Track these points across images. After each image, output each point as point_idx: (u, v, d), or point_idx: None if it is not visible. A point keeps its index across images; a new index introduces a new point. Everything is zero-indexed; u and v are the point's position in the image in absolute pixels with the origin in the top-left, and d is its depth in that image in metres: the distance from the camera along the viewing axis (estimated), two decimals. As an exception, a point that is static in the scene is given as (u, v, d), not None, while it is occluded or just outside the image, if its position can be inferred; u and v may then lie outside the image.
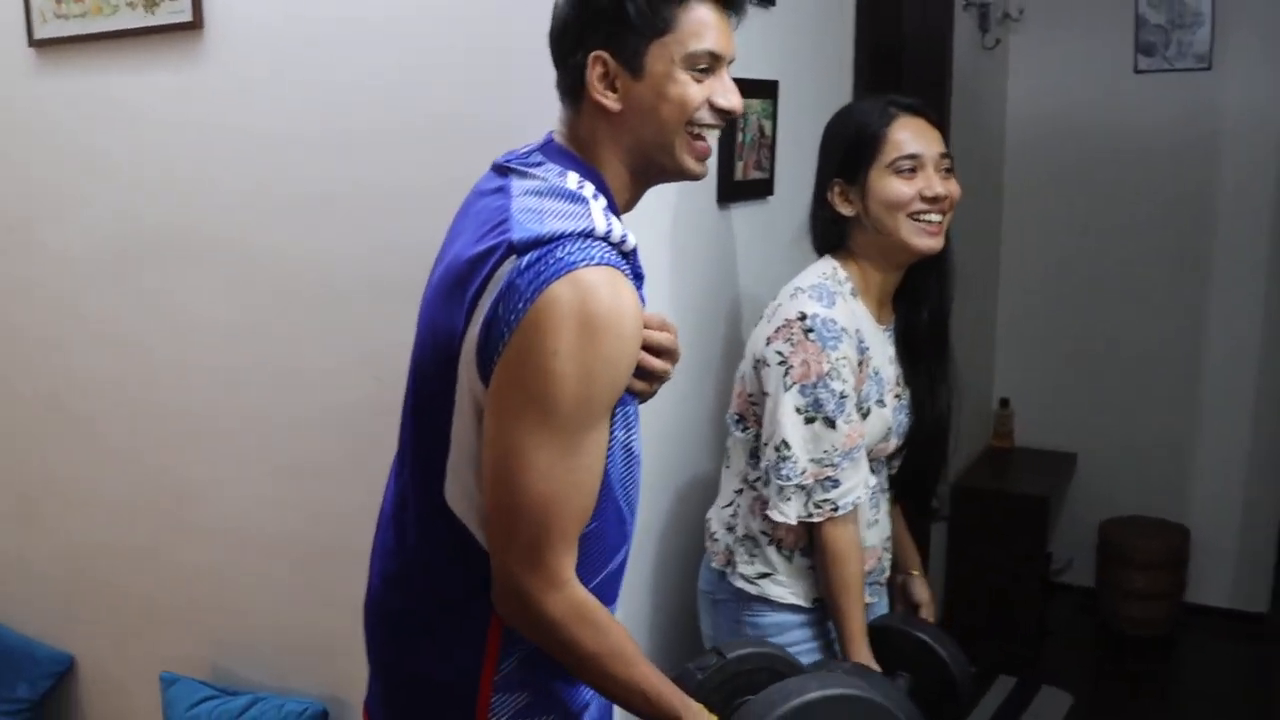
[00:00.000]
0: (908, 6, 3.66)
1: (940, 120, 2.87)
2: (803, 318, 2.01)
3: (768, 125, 2.54)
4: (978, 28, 4.13)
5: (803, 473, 2.00)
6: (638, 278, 1.48)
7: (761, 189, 2.58)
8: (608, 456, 1.48)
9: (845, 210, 2.12)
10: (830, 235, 2.15)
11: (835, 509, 2.02)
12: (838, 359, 2.01)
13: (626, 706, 1.52)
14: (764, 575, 2.13)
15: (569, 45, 1.50)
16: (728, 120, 1.55)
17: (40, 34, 2.64)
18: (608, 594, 1.57)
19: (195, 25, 2.40)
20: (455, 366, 1.44)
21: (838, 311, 2.04)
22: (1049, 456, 4.68)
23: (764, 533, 2.12)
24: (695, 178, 1.57)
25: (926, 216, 2.07)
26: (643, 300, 1.47)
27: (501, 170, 1.55)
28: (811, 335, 2.00)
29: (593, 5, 1.47)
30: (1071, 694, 3.90)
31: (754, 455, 2.13)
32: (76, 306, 2.76)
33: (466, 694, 1.53)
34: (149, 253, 2.61)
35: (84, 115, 2.65)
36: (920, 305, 2.20)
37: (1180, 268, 4.46)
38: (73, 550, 2.89)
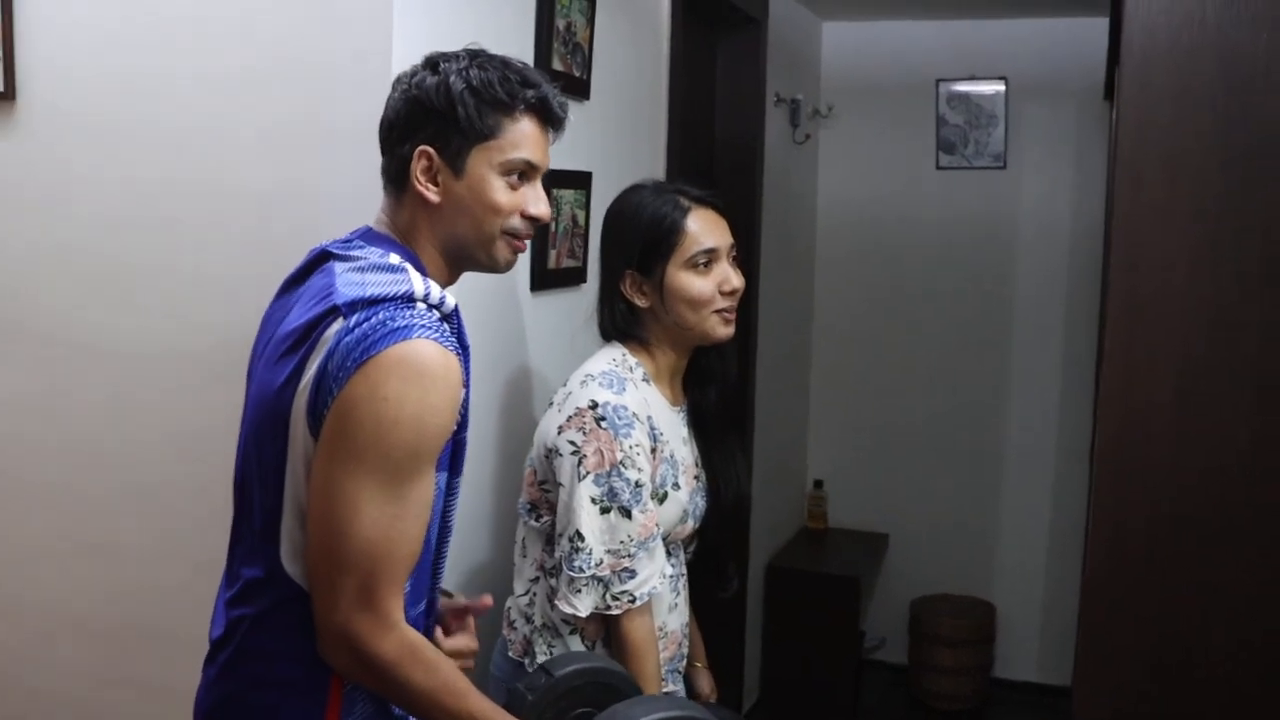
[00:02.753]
0: (720, 101, 3.80)
1: (740, 213, 2.97)
2: (594, 406, 2.00)
3: (581, 215, 2.61)
4: (789, 123, 4.30)
5: (598, 564, 1.98)
6: (464, 347, 1.55)
7: (574, 277, 2.64)
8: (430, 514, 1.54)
9: (639, 301, 2.12)
10: (622, 324, 2.15)
11: (633, 600, 2.00)
12: (631, 446, 2.00)
13: None
14: None
15: (398, 136, 1.60)
16: (537, 226, 1.67)
17: None
18: None
19: (7, 96, 2.35)
20: (286, 427, 1.48)
21: (628, 398, 2.04)
22: (862, 537, 4.82)
23: (565, 621, 2.09)
24: (503, 271, 1.69)
25: (725, 310, 2.12)
26: (468, 370, 1.54)
27: (323, 256, 1.61)
28: (604, 423, 1.99)
29: (426, 103, 1.57)
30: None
31: (549, 542, 2.11)
32: None
33: None
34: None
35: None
36: (707, 384, 2.24)
37: (982, 353, 4.69)
38: None
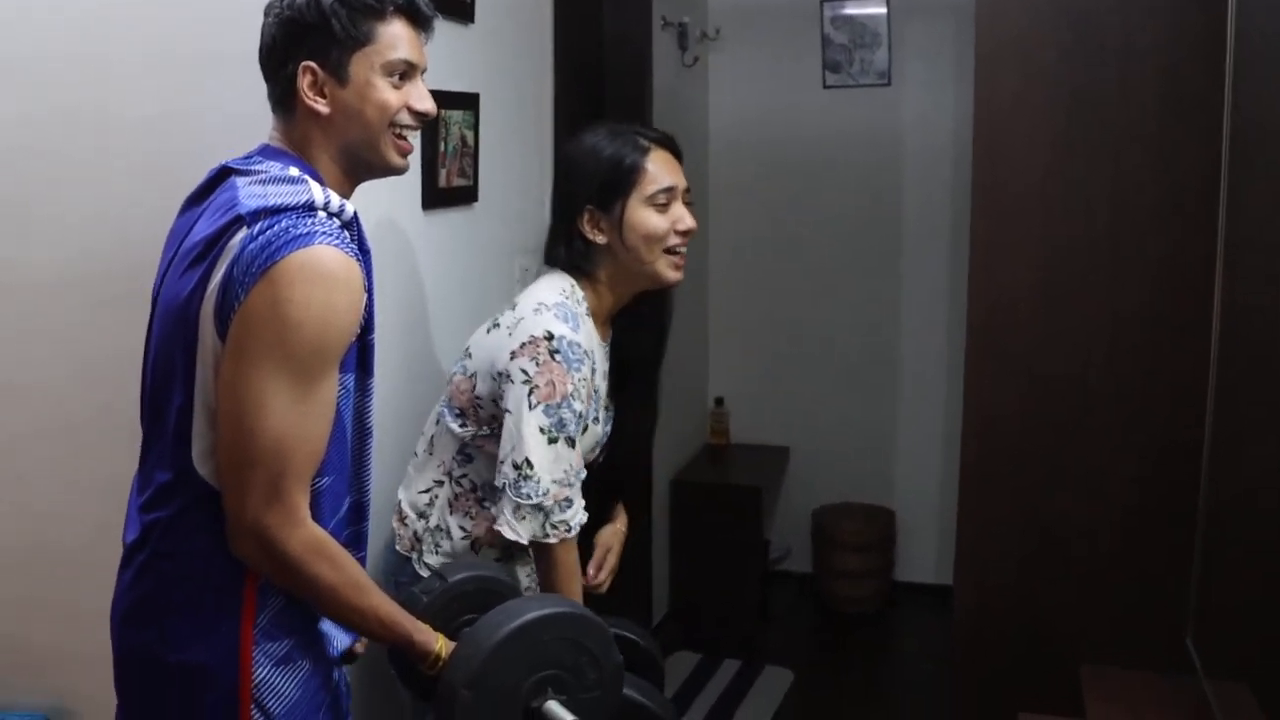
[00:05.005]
0: (607, 25, 3.84)
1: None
2: (550, 337, 2.04)
3: (470, 135, 2.66)
4: (677, 46, 4.36)
5: (545, 493, 2.03)
6: (364, 251, 1.63)
7: (466, 195, 2.70)
8: (342, 417, 1.64)
9: (596, 238, 2.17)
10: (576, 259, 2.19)
11: (569, 530, 2.07)
12: (580, 380, 2.06)
13: (363, 632, 1.68)
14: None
15: (279, 59, 1.67)
16: (424, 121, 1.74)
17: None
18: (343, 541, 1.71)
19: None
20: (195, 333, 1.55)
21: (581, 335, 2.09)
22: (763, 450, 4.96)
23: (461, 528, 2.17)
24: (399, 172, 1.77)
25: (678, 249, 2.19)
26: (370, 272, 1.63)
27: (224, 172, 1.68)
28: (558, 356, 2.04)
29: (301, 21, 1.64)
30: (793, 671, 4.11)
31: (463, 452, 2.18)
32: None
33: (228, 656, 1.60)
34: None
35: None
36: (643, 326, 2.31)
37: (873, 268, 4.81)
38: None
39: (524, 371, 2.04)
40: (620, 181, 2.16)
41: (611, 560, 2.37)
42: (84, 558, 2.12)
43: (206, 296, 1.54)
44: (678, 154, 2.24)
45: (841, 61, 4.69)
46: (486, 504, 2.18)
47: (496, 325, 2.17)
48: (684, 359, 4.54)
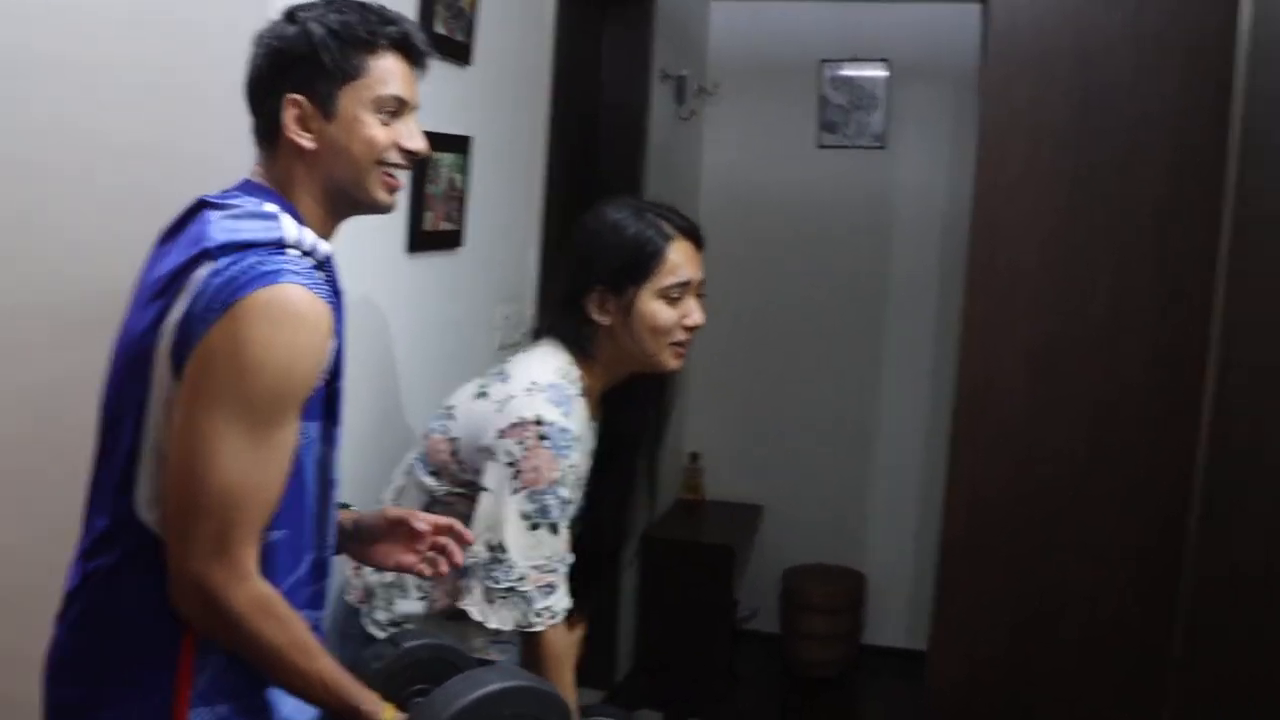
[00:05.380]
0: (607, 74, 3.84)
1: (624, 187, 2.98)
2: (539, 422, 1.97)
3: (459, 179, 2.63)
4: (674, 99, 4.34)
5: (520, 579, 1.96)
6: (336, 294, 1.55)
7: (451, 240, 2.66)
8: (304, 467, 1.55)
9: (601, 319, 2.09)
10: (574, 336, 2.12)
11: (554, 616, 2.00)
12: (568, 466, 1.99)
13: (307, 698, 1.55)
14: (396, 624, 2.11)
15: (265, 90, 1.59)
16: (414, 161, 1.67)
17: None
18: (294, 602, 1.58)
19: None
20: (149, 370, 1.48)
21: (573, 419, 2.02)
22: (736, 508, 4.90)
23: (418, 588, 2.10)
24: (385, 210, 1.68)
25: (683, 343, 2.12)
26: (342, 315, 1.56)
27: (199, 205, 1.60)
28: (546, 442, 1.96)
29: (289, 53, 1.57)
30: (756, 734, 4.08)
31: (429, 509, 2.05)
32: None
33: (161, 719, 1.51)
34: None
35: None
36: (642, 407, 2.24)
37: (858, 329, 4.80)
38: None
39: (509, 453, 1.98)
40: (638, 267, 2.07)
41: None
42: (31, 601, 2.05)
43: (163, 332, 1.47)
44: (700, 244, 2.15)
45: (838, 122, 4.69)
46: None
47: (484, 394, 2.09)
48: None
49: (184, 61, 2.11)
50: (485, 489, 2.01)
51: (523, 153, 3.03)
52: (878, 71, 4.63)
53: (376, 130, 1.60)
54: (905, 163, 4.66)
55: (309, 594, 1.64)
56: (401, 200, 2.42)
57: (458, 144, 2.61)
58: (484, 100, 2.76)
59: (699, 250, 2.15)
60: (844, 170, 4.72)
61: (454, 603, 2.05)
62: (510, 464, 1.98)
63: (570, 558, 2.06)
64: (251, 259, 1.45)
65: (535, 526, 1.98)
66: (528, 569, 1.97)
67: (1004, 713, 2.92)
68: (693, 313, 2.11)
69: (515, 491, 1.97)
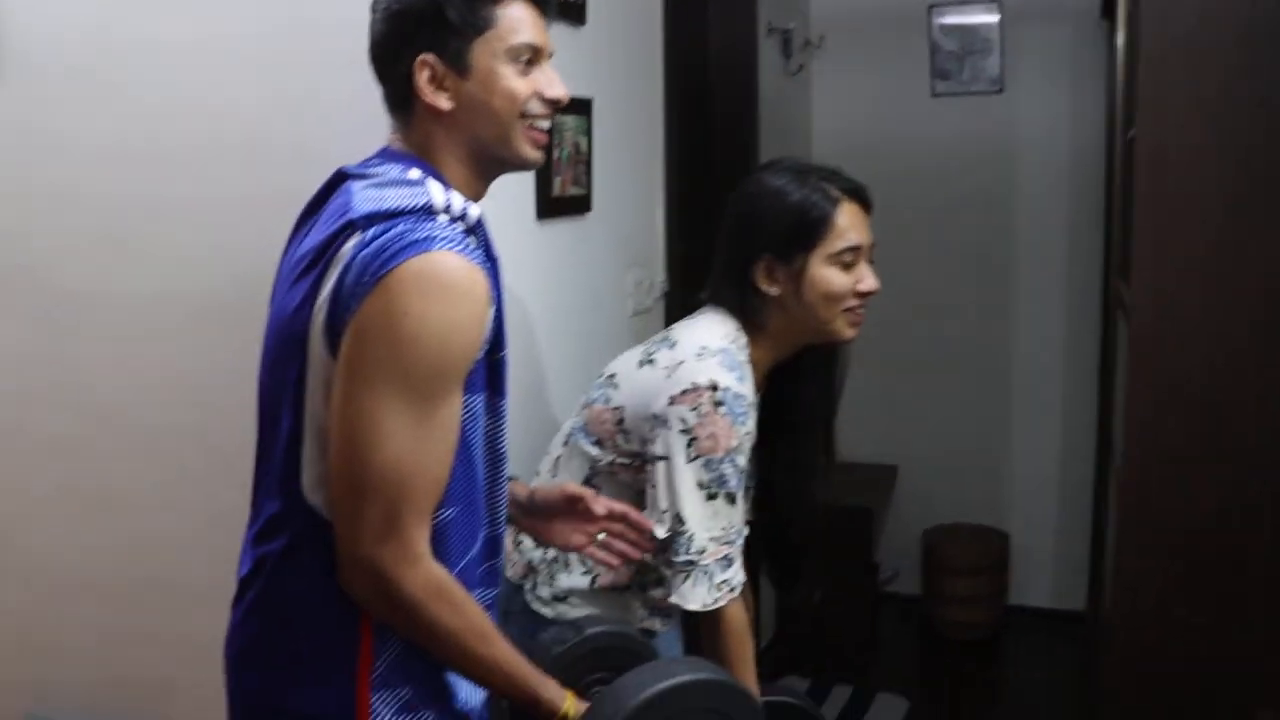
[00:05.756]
0: (712, 30, 3.75)
1: (738, 144, 2.88)
2: (714, 388, 1.89)
3: (583, 142, 2.57)
4: (781, 53, 4.25)
5: (700, 550, 1.89)
6: (491, 259, 1.49)
7: (579, 205, 2.60)
8: (470, 443, 1.48)
9: (770, 289, 2.01)
10: (742, 306, 2.03)
11: (732, 590, 1.93)
12: (745, 434, 1.91)
13: (485, 684, 1.51)
14: (560, 599, 2.07)
15: (391, 56, 1.52)
16: (556, 109, 1.58)
17: None
18: (467, 581, 1.54)
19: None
20: (304, 349, 1.43)
21: (746, 385, 1.94)
22: (871, 470, 4.80)
23: (582, 561, 2.04)
24: (533, 166, 1.60)
25: (858, 310, 2.03)
26: (498, 281, 1.48)
27: (339, 177, 1.55)
28: (722, 409, 1.88)
29: (411, 14, 1.49)
30: (906, 699, 3.97)
31: (590, 481, 2.04)
32: None
33: (344, 705, 1.47)
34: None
35: None
36: (809, 381, 2.15)
37: (986, 280, 4.65)
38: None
39: (683, 420, 1.89)
40: (806, 234, 1.97)
41: None
42: (196, 589, 2.04)
43: (316, 309, 1.41)
44: (868, 207, 2.05)
45: (951, 69, 4.55)
46: None
47: (650, 361, 2.01)
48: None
49: (313, 47, 2.08)
50: (661, 458, 1.92)
51: (642, 113, 2.97)
52: (989, 18, 4.47)
53: (515, 81, 1.52)
54: (1024, 106, 4.49)
55: (483, 572, 1.59)
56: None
57: (580, 106, 2.55)
58: (601, 61, 2.70)
59: (868, 213, 2.05)
60: (960, 118, 4.57)
61: (617, 580, 2.01)
62: (684, 431, 1.90)
63: (746, 530, 1.98)
64: (399, 228, 1.39)
65: (712, 496, 1.90)
66: (706, 540, 1.90)
67: (1177, 679, 2.76)
68: (866, 278, 2.01)
69: (690, 460, 1.89)
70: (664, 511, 1.92)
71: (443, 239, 1.39)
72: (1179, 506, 2.63)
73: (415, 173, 1.49)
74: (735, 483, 1.91)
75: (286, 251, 1.61)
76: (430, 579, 1.42)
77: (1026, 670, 4.39)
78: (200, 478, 2.22)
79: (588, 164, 2.60)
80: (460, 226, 1.45)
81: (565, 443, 2.12)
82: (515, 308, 2.39)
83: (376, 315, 1.35)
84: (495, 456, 1.56)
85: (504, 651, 1.48)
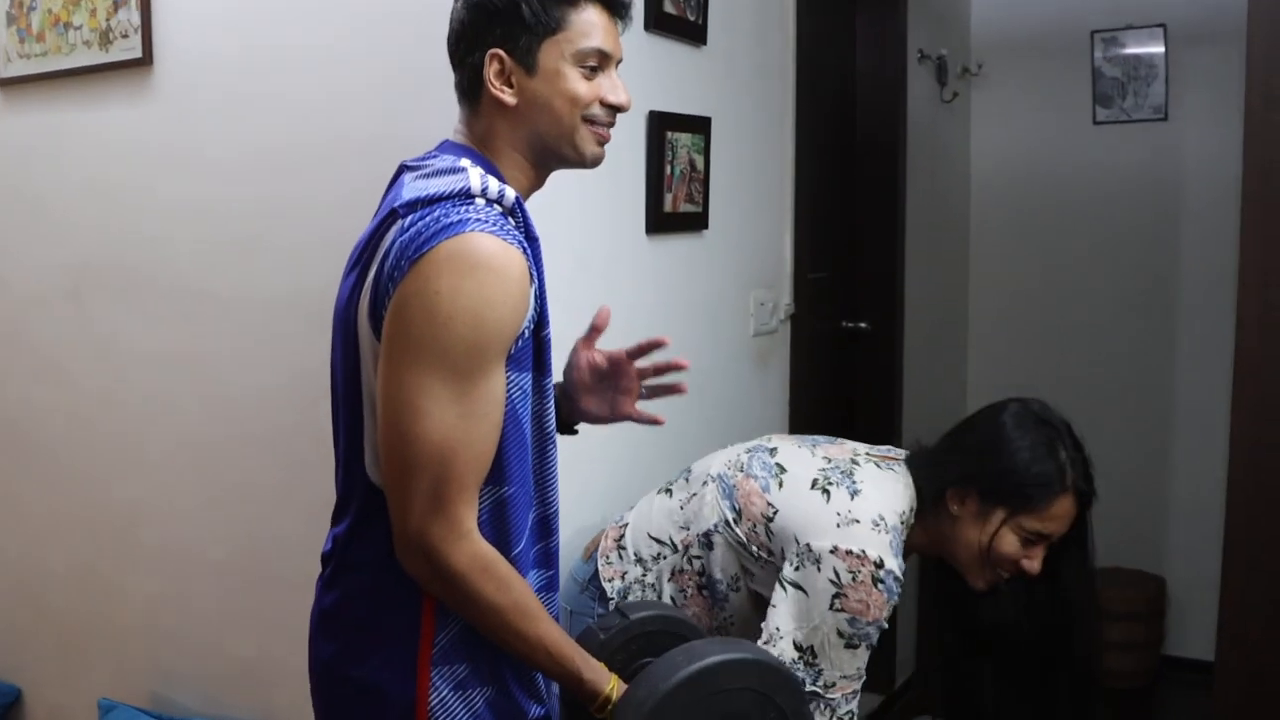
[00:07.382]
0: (860, 55, 3.74)
1: (884, 171, 2.86)
2: (879, 565, 1.94)
3: (699, 159, 2.59)
4: (935, 80, 4.19)
5: (829, 685, 1.96)
6: (531, 240, 1.52)
7: (694, 222, 2.63)
8: (521, 421, 1.52)
9: (955, 511, 2.09)
10: (928, 498, 2.11)
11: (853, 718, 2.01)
12: (893, 608, 1.98)
13: (529, 662, 1.54)
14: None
15: (466, 46, 1.58)
16: (617, 115, 1.62)
17: (5, 73, 2.74)
18: (530, 560, 1.59)
19: (145, 61, 2.48)
20: (356, 335, 1.50)
21: (902, 565, 2.00)
22: (1020, 507, 4.65)
23: (673, 600, 2.11)
24: (594, 164, 1.63)
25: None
26: (538, 261, 1.52)
27: (400, 170, 1.62)
28: (880, 586, 1.94)
29: (488, 7, 1.55)
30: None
31: (708, 538, 2.09)
32: (20, 337, 2.83)
33: (405, 676, 1.53)
34: (89, 284, 2.68)
35: (40, 150, 2.73)
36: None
37: (1148, 312, 4.48)
38: (19, 576, 2.93)
39: (836, 573, 1.95)
40: (1020, 497, 2.09)
41: None
42: (288, 569, 2.13)
43: (363, 295, 1.48)
44: (1087, 501, 2.30)
45: (1113, 95, 4.42)
46: (705, 592, 2.12)
47: (826, 491, 2.04)
48: (938, 404, 4.35)
49: (423, 53, 2.15)
50: (795, 585, 1.98)
51: (770, 134, 2.97)
52: (1154, 40, 4.33)
53: (579, 85, 1.56)
54: (1190, 134, 4.32)
55: (538, 551, 1.63)
56: (639, 181, 2.42)
57: (696, 124, 2.58)
58: (723, 81, 2.72)
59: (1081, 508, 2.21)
60: (1123, 145, 4.42)
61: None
62: (834, 583, 1.95)
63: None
64: (436, 212, 1.44)
65: (853, 646, 1.96)
66: (838, 678, 1.97)
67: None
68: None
69: (836, 610, 1.95)
70: (781, 635, 1.96)
71: (477, 220, 1.43)
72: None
73: (463, 161, 1.54)
74: (875, 639, 1.97)
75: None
76: (477, 554, 1.46)
77: (1180, 722, 4.21)
78: (316, 473, 2.30)
79: (704, 182, 2.62)
80: (497, 209, 1.49)
81: (704, 483, 2.15)
82: (625, 319, 2.42)
83: (412, 296, 1.41)
84: (543, 435, 1.59)
85: (549, 630, 1.52)
